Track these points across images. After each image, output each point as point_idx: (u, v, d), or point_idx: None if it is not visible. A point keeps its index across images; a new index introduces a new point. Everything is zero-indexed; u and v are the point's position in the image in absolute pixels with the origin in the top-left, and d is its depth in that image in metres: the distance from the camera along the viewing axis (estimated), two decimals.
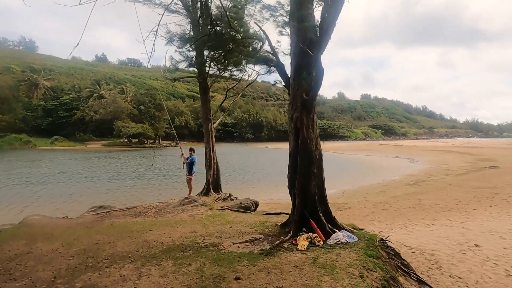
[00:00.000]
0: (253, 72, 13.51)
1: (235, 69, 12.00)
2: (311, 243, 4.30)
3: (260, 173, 23.00)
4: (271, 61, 5.37)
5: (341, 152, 49.72)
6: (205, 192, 11.31)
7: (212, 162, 11.75)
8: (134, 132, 55.59)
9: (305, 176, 4.70)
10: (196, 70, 11.84)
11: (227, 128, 78.76)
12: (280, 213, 7.43)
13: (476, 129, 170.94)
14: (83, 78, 79.35)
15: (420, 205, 12.12)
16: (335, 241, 4.37)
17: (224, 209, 7.96)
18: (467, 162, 30.89)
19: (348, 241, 4.39)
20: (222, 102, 12.78)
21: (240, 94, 14.80)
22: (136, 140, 58.67)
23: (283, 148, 59.69)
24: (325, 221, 4.67)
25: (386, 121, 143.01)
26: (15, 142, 50.47)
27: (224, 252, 4.26)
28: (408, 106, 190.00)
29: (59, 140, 55.47)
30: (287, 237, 4.44)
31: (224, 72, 12.51)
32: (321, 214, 4.72)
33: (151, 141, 60.49)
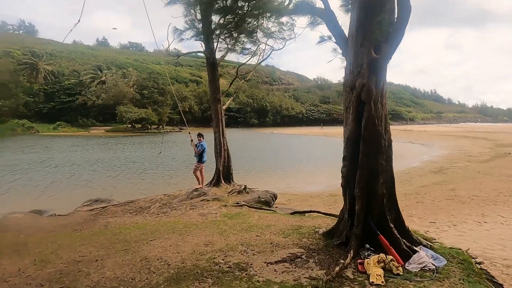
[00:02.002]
0: (266, 47, 11.97)
1: (249, 39, 10.42)
2: (386, 270, 2.97)
3: (269, 161, 21.64)
4: (314, 10, 3.84)
5: None
6: (215, 183, 10.03)
7: (223, 148, 10.41)
8: (137, 117, 54.19)
9: (371, 171, 3.31)
10: (202, 44, 10.32)
11: (232, 113, 76.97)
12: (310, 212, 6.10)
13: (485, 113, 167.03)
14: (84, 62, 77.45)
15: (457, 197, 10.73)
16: (420, 266, 3.02)
17: (241, 206, 6.65)
18: (486, 147, 29.32)
19: (437, 266, 3.05)
20: (233, 80, 11.28)
21: (252, 73, 13.27)
22: (140, 125, 57.38)
23: (289, 134, 58.12)
24: (398, 235, 3.31)
25: (393, 106, 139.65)
26: (17, 128, 49.49)
27: (258, 281, 2.94)
28: (415, 91, 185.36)
29: (61, 126, 54.43)
30: (347, 260, 3.09)
31: (235, 46, 10.95)
32: (392, 225, 3.35)
33: (154, 126, 59.19)
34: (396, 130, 69.35)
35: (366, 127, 3.28)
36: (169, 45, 10.69)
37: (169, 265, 3.34)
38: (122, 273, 3.19)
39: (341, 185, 3.71)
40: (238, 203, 6.89)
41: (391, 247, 3.16)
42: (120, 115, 53.90)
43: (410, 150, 29.96)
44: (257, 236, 4.27)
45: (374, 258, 3.04)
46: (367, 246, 3.31)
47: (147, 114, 55.12)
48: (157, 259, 3.49)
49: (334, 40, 3.78)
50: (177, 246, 3.90)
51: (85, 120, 58.70)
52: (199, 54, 10.65)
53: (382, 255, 3.08)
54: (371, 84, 3.22)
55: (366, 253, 3.18)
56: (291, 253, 3.62)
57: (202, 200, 7.60)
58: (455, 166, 18.56)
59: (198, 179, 8.76)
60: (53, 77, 64.68)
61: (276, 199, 8.56)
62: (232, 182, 10.47)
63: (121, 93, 56.86)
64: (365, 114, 3.28)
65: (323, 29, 3.84)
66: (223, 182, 10.10)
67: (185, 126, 10.46)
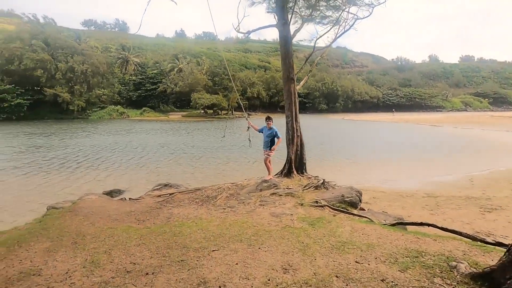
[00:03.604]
0: (348, 15, 10.01)
1: (329, 4, 8.73)
2: None
3: (342, 149, 19.51)
4: None
5: (439, 125, 41.07)
6: (286, 173, 8.91)
7: (295, 135, 9.16)
8: (209, 103, 56.94)
9: None
10: (276, 15, 9.05)
11: (300, 98, 74.22)
12: (422, 224, 4.44)
13: None
14: (165, 53, 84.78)
15: None
16: None
17: (322, 206, 5.37)
18: None
19: None
20: (310, 55, 9.75)
21: (330, 46, 11.43)
22: (211, 111, 60.25)
23: (362, 120, 53.00)
24: None
25: (495, 88, 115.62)
26: (113, 113, 57.57)
27: None
28: None
29: (146, 111, 61.25)
30: None
31: (312, 14, 9.36)
32: None
33: (224, 112, 61.39)
34: (500, 117, 56.77)
35: None
36: (239, 23, 9.73)
37: None
38: None
39: None
40: (317, 202, 5.60)
41: None
42: (194, 101, 57.46)
43: None
44: (356, 262, 2.94)
45: None
46: None
47: (218, 100, 57.38)
48: (219, 286, 2.53)
49: None
50: (246, 266, 2.88)
51: (165, 106, 64.69)
52: (267, 40, 9.47)
53: None
54: None
55: None
56: None
57: (272, 194, 6.57)
58: None
59: (269, 169, 7.76)
60: (140, 67, 72.69)
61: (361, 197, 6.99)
62: (305, 173, 9.23)
63: (195, 81, 60.31)
64: None
65: None
66: (295, 172, 8.92)
67: (246, 112, 9.57)
